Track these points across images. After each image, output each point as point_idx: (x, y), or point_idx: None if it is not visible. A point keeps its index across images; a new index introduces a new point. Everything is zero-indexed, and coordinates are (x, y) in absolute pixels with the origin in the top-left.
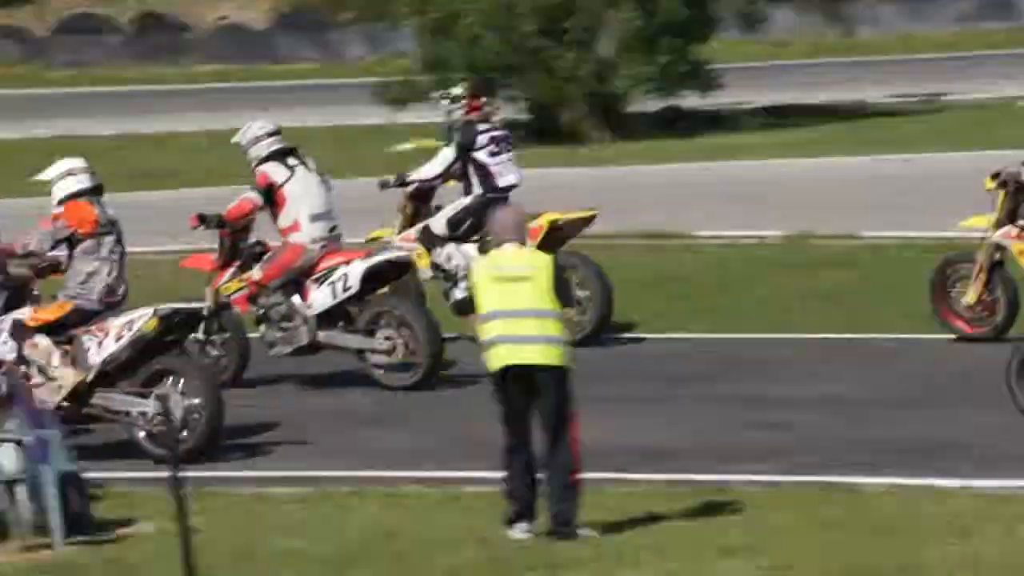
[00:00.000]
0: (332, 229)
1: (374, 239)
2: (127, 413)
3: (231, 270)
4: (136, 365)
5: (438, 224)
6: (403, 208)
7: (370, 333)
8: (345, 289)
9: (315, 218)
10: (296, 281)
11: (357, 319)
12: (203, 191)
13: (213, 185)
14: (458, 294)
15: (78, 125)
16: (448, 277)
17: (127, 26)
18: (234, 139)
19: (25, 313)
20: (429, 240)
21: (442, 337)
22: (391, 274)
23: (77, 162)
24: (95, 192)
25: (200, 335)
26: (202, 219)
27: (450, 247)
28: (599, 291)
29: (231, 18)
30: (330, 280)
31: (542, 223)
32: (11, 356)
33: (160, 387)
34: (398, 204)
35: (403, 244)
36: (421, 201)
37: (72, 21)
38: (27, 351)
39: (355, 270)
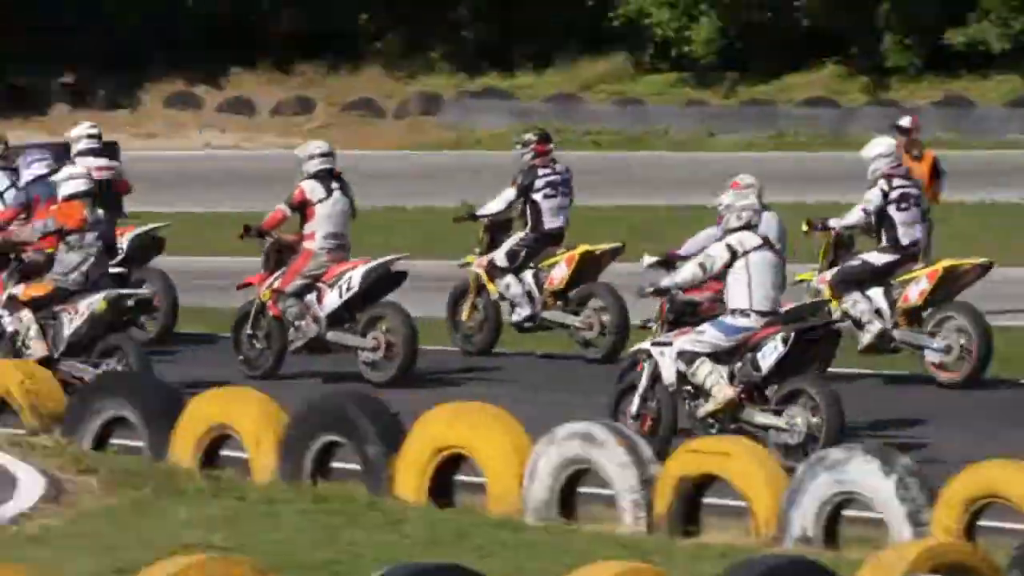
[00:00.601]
0: (341, 245)
1: (467, 263)
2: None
3: (271, 278)
4: (93, 341)
5: (499, 257)
6: (480, 239)
7: (364, 335)
8: (348, 289)
9: (328, 236)
10: (314, 286)
11: (357, 323)
12: None
13: None
14: (515, 317)
15: None
16: (508, 301)
17: None
18: (295, 151)
19: (19, 289)
20: (493, 270)
21: (416, 338)
22: (392, 280)
23: (80, 169)
24: (88, 195)
25: (248, 330)
26: (247, 229)
27: (509, 277)
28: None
29: None
30: (338, 283)
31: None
32: (9, 328)
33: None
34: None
35: (477, 269)
36: (498, 232)
37: None
38: (12, 322)
39: (357, 272)
